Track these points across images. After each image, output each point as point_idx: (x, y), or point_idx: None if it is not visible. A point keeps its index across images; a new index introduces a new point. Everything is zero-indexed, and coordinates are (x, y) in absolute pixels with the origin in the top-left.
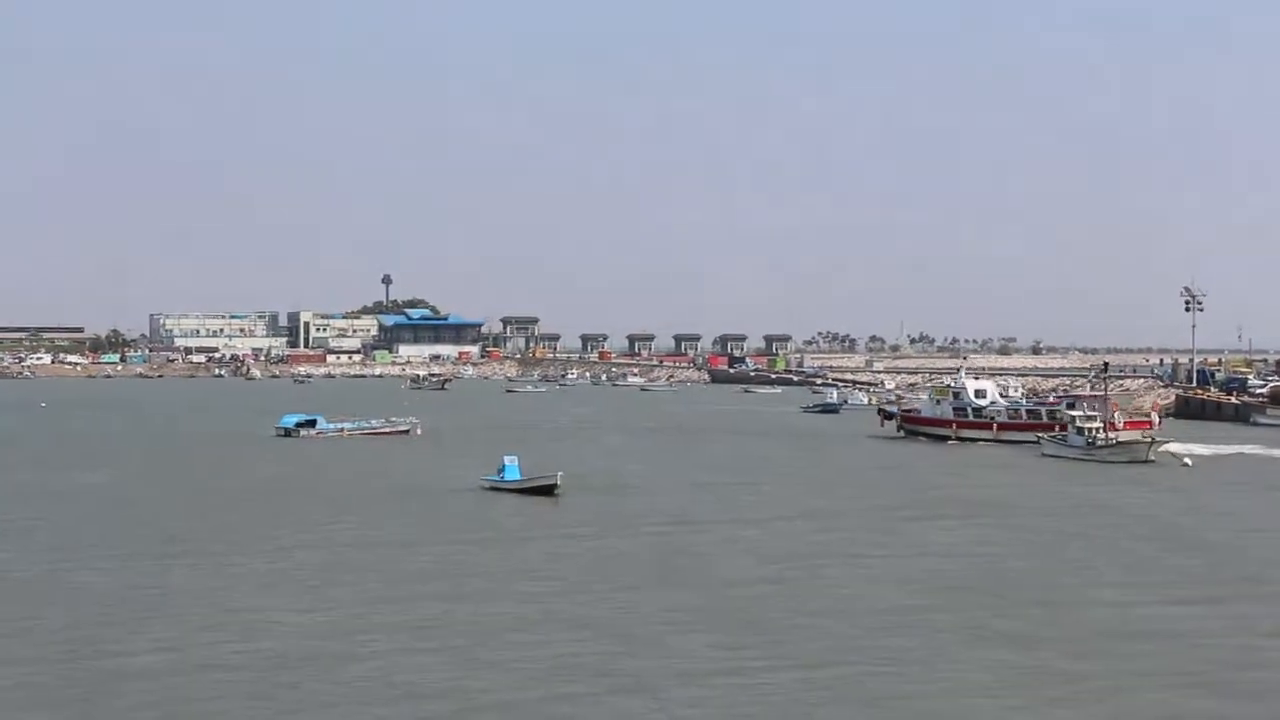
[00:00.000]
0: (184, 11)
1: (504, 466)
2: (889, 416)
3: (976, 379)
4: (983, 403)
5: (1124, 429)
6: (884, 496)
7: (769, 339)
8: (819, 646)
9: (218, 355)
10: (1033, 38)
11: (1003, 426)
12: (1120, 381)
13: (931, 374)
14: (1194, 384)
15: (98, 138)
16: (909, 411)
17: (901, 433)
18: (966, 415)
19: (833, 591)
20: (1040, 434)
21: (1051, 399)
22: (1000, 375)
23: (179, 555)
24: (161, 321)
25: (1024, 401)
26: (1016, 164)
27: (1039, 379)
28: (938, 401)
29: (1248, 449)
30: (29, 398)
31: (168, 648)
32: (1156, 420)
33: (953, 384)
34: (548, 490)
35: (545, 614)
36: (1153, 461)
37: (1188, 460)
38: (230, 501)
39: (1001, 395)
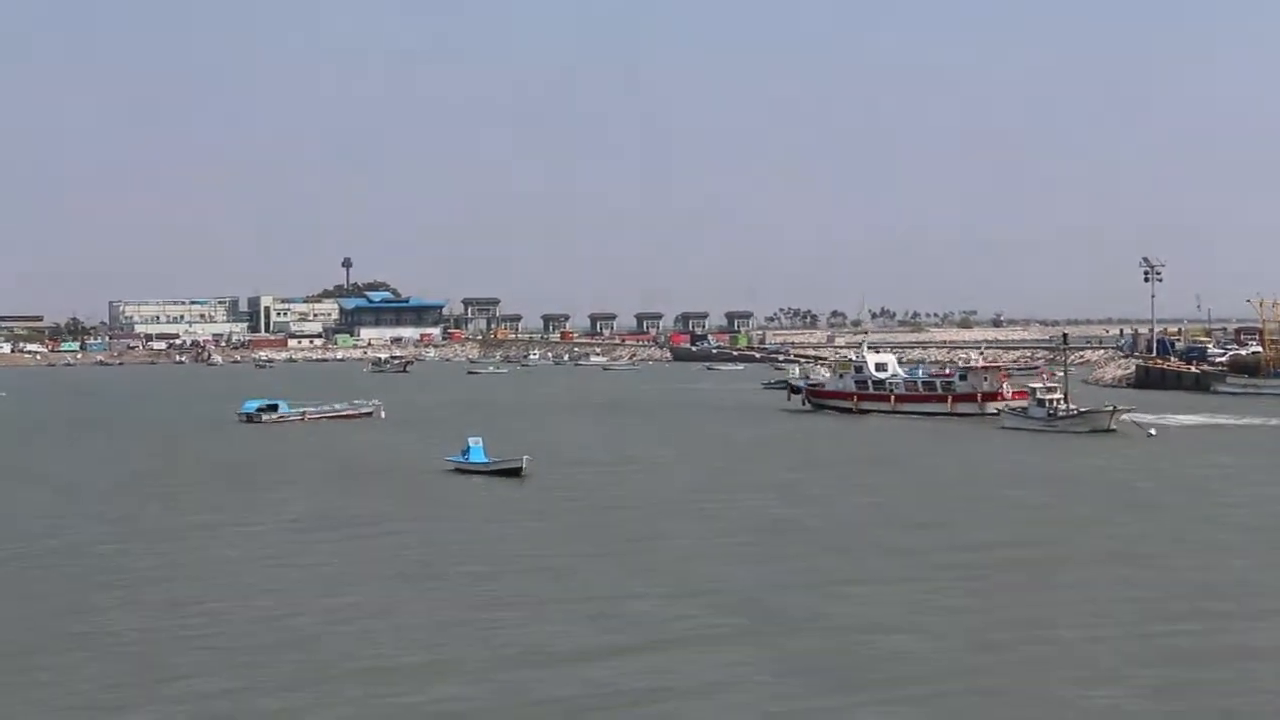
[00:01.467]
0: None
1: (469, 448)
2: (796, 390)
3: (878, 353)
4: (883, 376)
5: (1012, 398)
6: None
7: (731, 316)
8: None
9: (178, 342)
10: None
11: (900, 399)
12: (1081, 352)
13: (893, 348)
14: (1154, 354)
15: (53, 124)
16: (815, 385)
17: (808, 406)
18: (867, 388)
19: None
20: (934, 405)
21: (946, 371)
22: (902, 350)
23: (136, 537)
24: (121, 309)
25: (920, 374)
26: (983, 137)
27: (999, 351)
28: (841, 375)
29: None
30: None
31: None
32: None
33: (854, 358)
34: (514, 472)
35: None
36: (1114, 431)
37: (1153, 430)
38: (188, 487)
39: (904, 368)
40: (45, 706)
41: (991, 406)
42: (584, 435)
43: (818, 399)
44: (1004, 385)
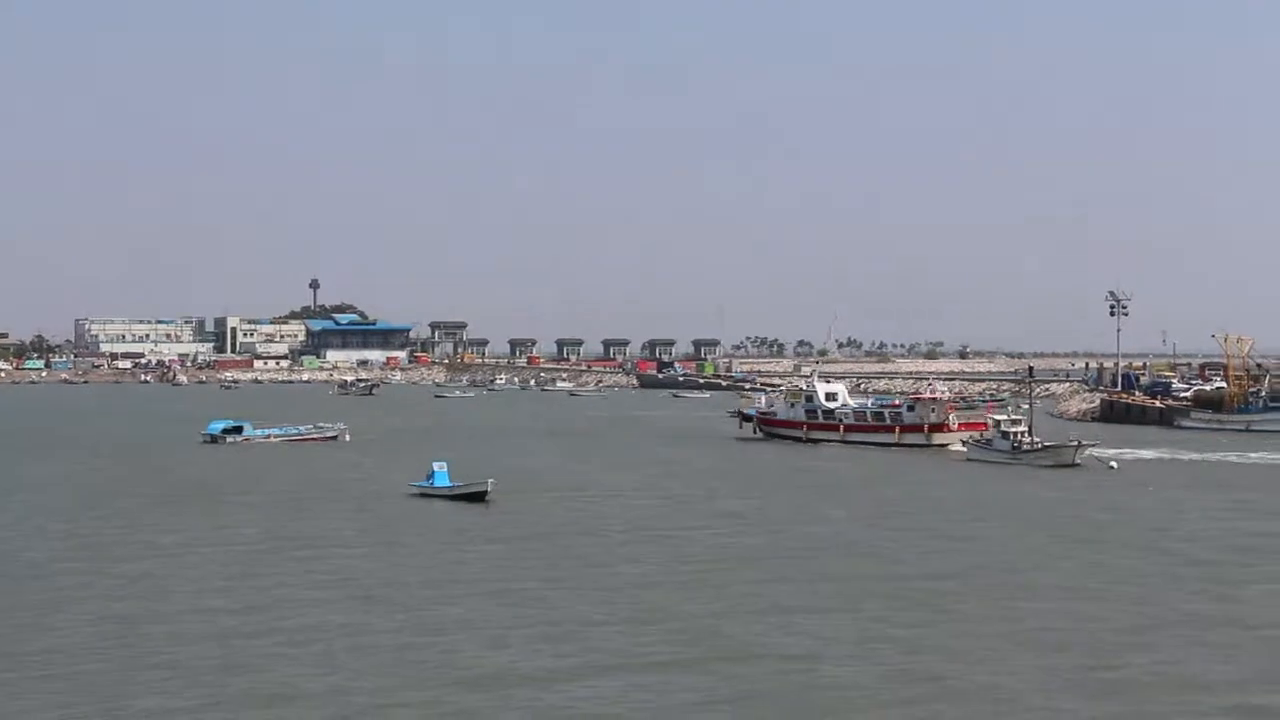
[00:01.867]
0: (100, 11)
1: (433, 473)
2: (747, 419)
3: (829, 383)
4: (833, 406)
5: (958, 429)
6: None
7: (697, 344)
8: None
9: (144, 361)
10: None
11: (849, 428)
12: (1046, 385)
13: (859, 378)
14: (1119, 388)
15: (15, 142)
16: (766, 414)
17: (759, 434)
18: (817, 417)
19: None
20: (880, 435)
21: (895, 402)
22: (868, 380)
23: (94, 556)
24: (87, 327)
25: (869, 405)
26: (946, 170)
27: (965, 383)
28: (792, 404)
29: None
30: None
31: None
32: (991, 422)
33: (805, 387)
34: (479, 496)
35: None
36: (1079, 465)
37: (1114, 464)
38: (147, 507)
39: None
40: None
41: (938, 438)
42: (549, 461)
43: (769, 427)
44: (950, 417)
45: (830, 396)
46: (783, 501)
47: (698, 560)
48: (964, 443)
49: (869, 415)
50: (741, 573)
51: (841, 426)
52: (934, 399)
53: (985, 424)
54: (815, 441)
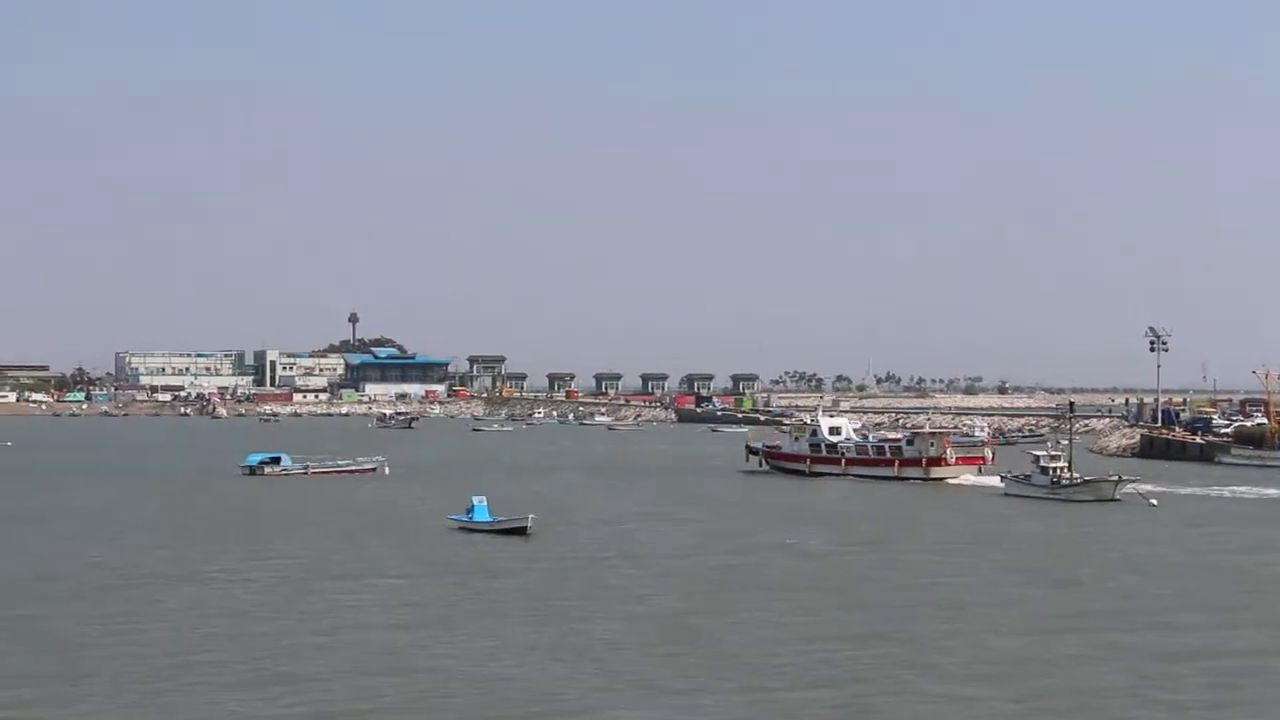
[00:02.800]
0: (148, 43)
1: (473, 506)
2: (754, 452)
3: (832, 417)
4: (836, 439)
5: (956, 464)
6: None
7: (736, 378)
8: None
9: (183, 394)
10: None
11: (850, 461)
12: (1086, 421)
13: (897, 414)
14: (1159, 423)
15: (58, 171)
16: (772, 448)
17: (765, 467)
18: (820, 450)
19: None
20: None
21: (894, 435)
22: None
23: (139, 583)
24: (127, 360)
25: (871, 439)
26: (982, 206)
27: (1005, 418)
28: (796, 438)
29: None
30: None
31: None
32: (990, 456)
33: (809, 421)
34: (519, 531)
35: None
36: (1119, 500)
37: (1154, 500)
38: (187, 536)
39: (859, 433)
40: None
41: (935, 471)
42: (589, 495)
43: (774, 460)
44: (948, 451)
45: (834, 430)
46: (822, 535)
47: (743, 590)
48: (1002, 477)
49: (870, 449)
50: (780, 604)
51: (843, 460)
52: (933, 433)
53: (983, 458)
54: (818, 475)
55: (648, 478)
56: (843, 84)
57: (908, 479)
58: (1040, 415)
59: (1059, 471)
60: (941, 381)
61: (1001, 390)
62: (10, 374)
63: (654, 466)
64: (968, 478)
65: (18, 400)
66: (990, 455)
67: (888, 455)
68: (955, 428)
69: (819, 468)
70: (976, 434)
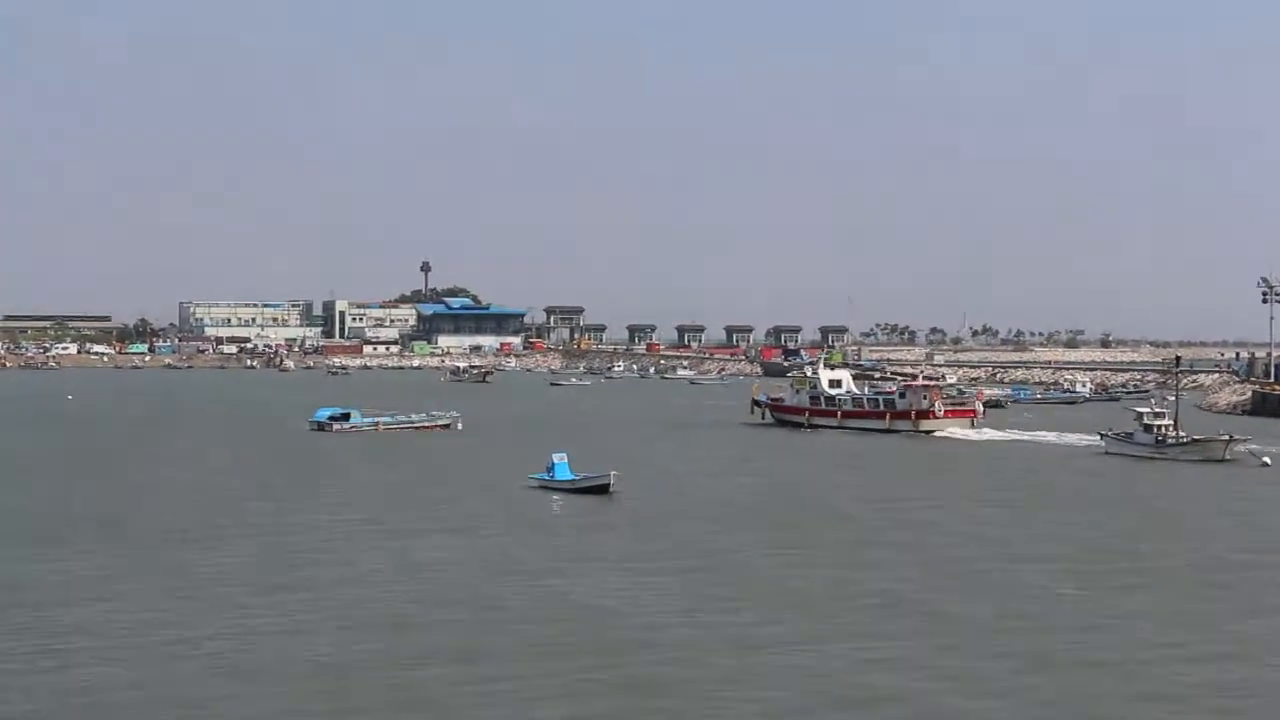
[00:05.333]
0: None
1: (553, 464)
2: (759, 404)
3: (832, 370)
4: (835, 392)
5: (944, 416)
6: None
7: (824, 330)
8: None
9: (249, 346)
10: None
11: (845, 414)
12: (1194, 376)
13: (995, 367)
14: (1272, 379)
15: (121, 125)
16: (775, 400)
17: (771, 419)
18: (819, 403)
19: None
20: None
21: (891, 389)
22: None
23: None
24: (191, 310)
25: (867, 392)
26: (1085, 156)
27: (1107, 373)
28: (798, 391)
29: None
30: (55, 389)
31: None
32: (980, 409)
33: (810, 375)
34: (602, 489)
35: None
36: (1229, 460)
37: (1267, 459)
38: (257, 489)
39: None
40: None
41: (924, 424)
42: (672, 452)
43: (778, 413)
44: (936, 404)
45: (834, 384)
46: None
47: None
48: (1102, 435)
49: (865, 402)
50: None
51: (839, 413)
52: (924, 386)
53: (974, 411)
54: (815, 427)
55: (730, 430)
56: (970, 30)
57: (898, 431)
58: (1145, 370)
59: (1164, 430)
60: (1041, 334)
61: (1104, 344)
62: (72, 325)
63: (736, 421)
64: (955, 430)
65: (79, 352)
66: (981, 409)
67: (881, 409)
68: (1055, 383)
69: (817, 420)
70: (1078, 389)
